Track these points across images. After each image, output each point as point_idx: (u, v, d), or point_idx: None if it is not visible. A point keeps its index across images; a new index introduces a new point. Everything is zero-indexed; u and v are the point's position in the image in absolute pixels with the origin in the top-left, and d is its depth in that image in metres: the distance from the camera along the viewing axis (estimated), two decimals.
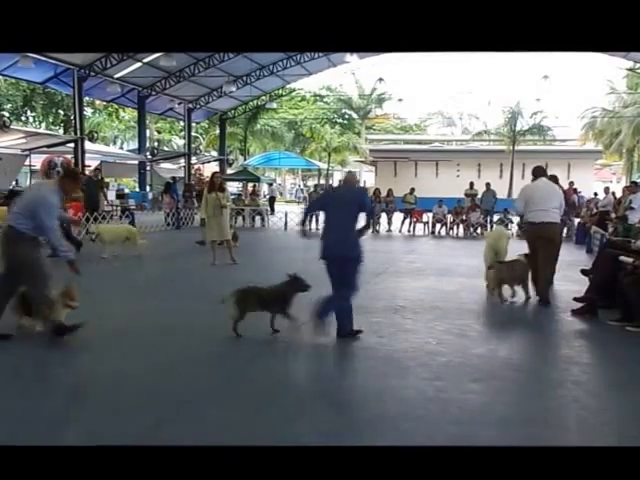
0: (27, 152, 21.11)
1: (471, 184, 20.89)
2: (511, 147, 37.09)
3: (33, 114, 40.00)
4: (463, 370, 4.74)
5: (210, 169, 30.12)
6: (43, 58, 19.42)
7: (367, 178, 48.57)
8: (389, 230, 19.07)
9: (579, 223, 16.59)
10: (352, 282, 5.41)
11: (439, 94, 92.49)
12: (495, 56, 32.28)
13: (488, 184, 19.74)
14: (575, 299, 6.92)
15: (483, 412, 3.91)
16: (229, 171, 31.57)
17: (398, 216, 19.40)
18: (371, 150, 42.82)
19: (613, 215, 14.24)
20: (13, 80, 30.71)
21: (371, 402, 4.06)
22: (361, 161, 45.07)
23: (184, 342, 5.36)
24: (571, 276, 9.64)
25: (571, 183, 19.43)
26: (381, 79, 35.71)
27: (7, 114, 24.78)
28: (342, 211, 5.37)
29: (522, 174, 36.95)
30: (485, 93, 59.35)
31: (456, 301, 7.45)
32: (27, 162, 22.30)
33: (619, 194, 16.62)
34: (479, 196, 19.43)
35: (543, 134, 39.66)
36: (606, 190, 17.83)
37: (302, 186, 52.78)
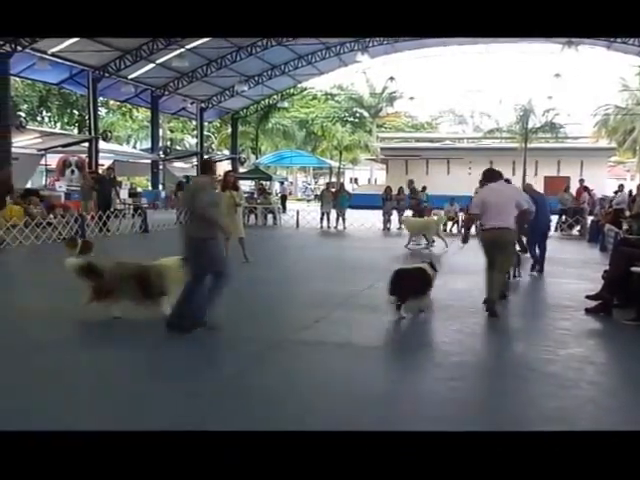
0: (43, 152, 21.36)
1: None
2: (523, 145, 36.87)
3: (48, 114, 40.43)
4: (477, 370, 4.76)
5: (222, 168, 30.26)
6: (59, 60, 19.67)
7: (378, 176, 48.52)
8: (400, 227, 19.02)
9: (592, 221, 16.48)
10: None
11: (450, 92, 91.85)
12: (506, 53, 31.99)
13: None
14: (588, 297, 6.89)
15: (497, 412, 3.93)
16: (241, 170, 31.69)
17: (409, 214, 19.33)
18: (382, 148, 42.76)
19: (627, 213, 14.14)
20: (29, 81, 31.03)
21: (385, 402, 4.07)
22: (372, 159, 45.01)
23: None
24: (586, 274, 9.60)
25: (581, 181, 19.20)
26: (392, 78, 35.66)
27: (23, 115, 25.07)
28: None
29: (535, 171, 36.74)
30: (496, 91, 59.12)
31: (468, 300, 7.42)
32: (43, 161, 22.56)
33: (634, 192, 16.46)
34: None
35: (555, 132, 39.37)
36: (620, 187, 17.67)
37: (313, 185, 52.78)
